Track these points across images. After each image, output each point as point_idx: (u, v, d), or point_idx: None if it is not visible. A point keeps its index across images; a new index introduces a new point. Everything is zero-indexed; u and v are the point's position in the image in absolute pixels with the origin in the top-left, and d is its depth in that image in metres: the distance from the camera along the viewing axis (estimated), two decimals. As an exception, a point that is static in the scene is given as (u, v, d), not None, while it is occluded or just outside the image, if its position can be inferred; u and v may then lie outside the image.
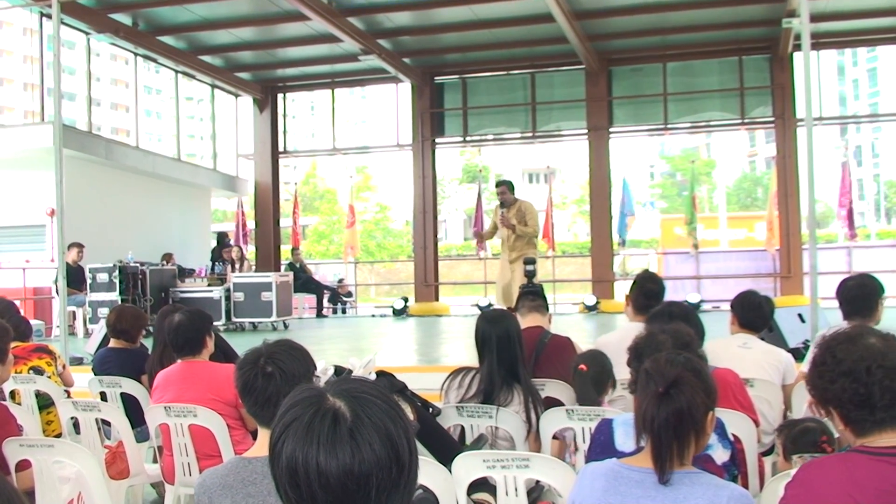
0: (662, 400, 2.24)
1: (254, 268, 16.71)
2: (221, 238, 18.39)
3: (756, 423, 3.69)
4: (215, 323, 4.73)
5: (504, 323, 4.05)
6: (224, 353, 4.94)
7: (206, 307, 11.29)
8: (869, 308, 4.42)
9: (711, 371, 3.58)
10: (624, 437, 2.81)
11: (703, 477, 2.23)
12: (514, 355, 3.96)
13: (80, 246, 13.07)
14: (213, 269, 14.67)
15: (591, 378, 3.84)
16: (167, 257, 14.91)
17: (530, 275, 11.44)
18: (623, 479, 2.26)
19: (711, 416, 2.32)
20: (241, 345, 4.17)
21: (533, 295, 5.40)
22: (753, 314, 4.61)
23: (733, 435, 3.20)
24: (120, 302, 12.16)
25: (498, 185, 10.73)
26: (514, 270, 10.01)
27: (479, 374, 4.04)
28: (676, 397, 2.24)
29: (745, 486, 3.41)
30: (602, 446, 2.87)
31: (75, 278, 12.71)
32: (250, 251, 18.83)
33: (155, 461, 4.69)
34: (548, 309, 5.24)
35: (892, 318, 4.41)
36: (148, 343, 5.71)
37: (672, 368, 2.30)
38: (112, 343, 5.48)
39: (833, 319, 4.94)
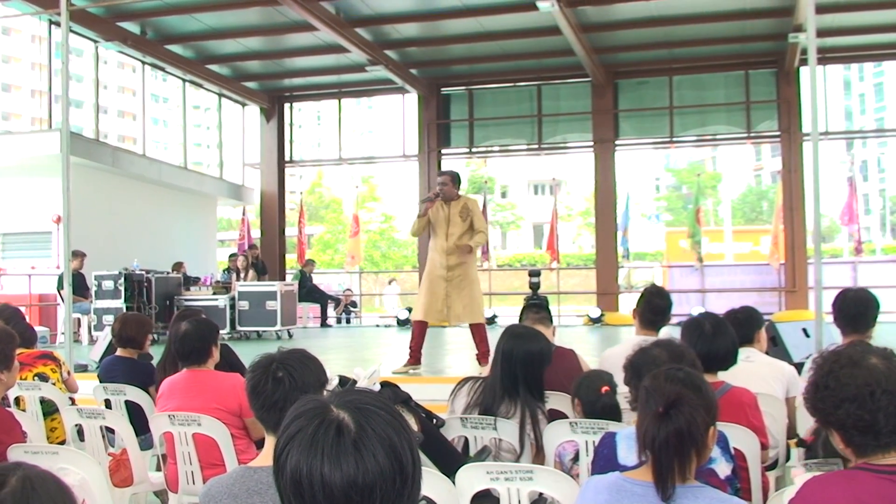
0: (662, 420, 2.22)
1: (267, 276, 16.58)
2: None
3: (765, 445, 3.66)
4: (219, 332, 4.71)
5: (513, 341, 4.00)
6: (231, 366, 4.92)
7: (210, 315, 11.32)
8: (869, 324, 4.46)
9: (728, 390, 3.59)
10: (627, 451, 2.80)
11: (705, 491, 2.23)
12: (513, 373, 3.93)
13: (81, 254, 13.07)
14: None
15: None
16: (177, 266, 14.89)
17: (534, 287, 11.30)
18: (626, 493, 2.26)
19: (713, 431, 2.31)
20: (246, 353, 4.18)
21: (537, 307, 5.40)
22: (742, 330, 4.60)
23: (735, 449, 3.20)
24: (125, 309, 12.17)
25: (441, 174, 8.61)
26: (452, 280, 8.15)
27: (486, 384, 4.05)
28: (676, 417, 2.21)
29: (749, 500, 3.40)
30: (605, 459, 2.86)
31: (77, 285, 12.72)
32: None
33: (159, 469, 4.69)
34: (552, 321, 5.24)
35: (890, 331, 4.43)
36: (155, 350, 5.73)
37: (672, 386, 2.29)
38: (119, 352, 5.47)
39: (837, 334, 4.94)
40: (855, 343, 2.43)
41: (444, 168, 18.54)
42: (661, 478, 2.20)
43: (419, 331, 8.36)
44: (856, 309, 4.48)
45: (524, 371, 3.92)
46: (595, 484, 2.36)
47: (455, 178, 8.36)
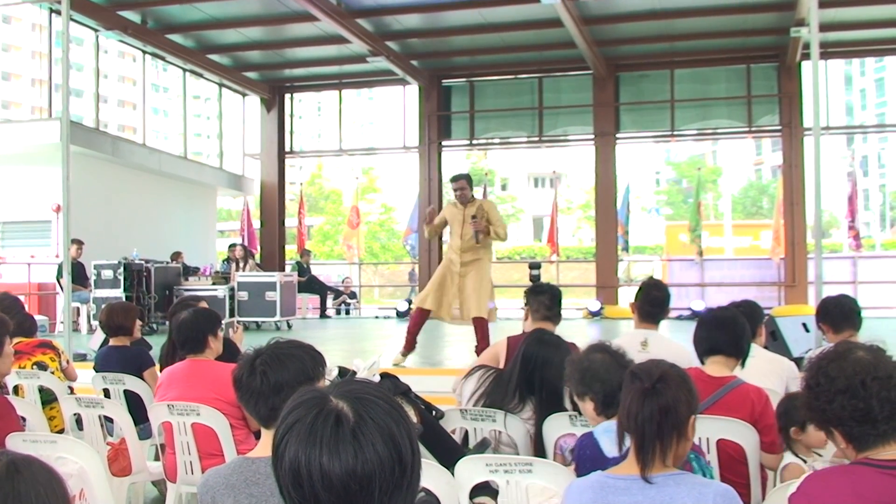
0: (648, 395, 2.29)
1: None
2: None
3: (774, 446, 3.57)
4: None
5: (536, 346, 3.95)
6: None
7: (210, 305, 11.31)
8: (855, 325, 4.61)
9: (739, 385, 3.55)
10: (610, 445, 2.82)
11: (687, 477, 2.28)
12: (530, 378, 3.90)
13: (79, 242, 13.02)
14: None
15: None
16: (176, 255, 14.87)
17: (534, 279, 11.26)
18: (609, 489, 2.29)
19: (693, 420, 2.36)
20: (245, 344, 4.16)
21: (546, 297, 5.38)
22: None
23: (732, 443, 3.20)
24: (125, 299, 12.16)
25: (456, 179, 8.64)
26: (465, 276, 8.30)
27: (497, 376, 4.06)
28: (663, 391, 2.29)
29: (748, 496, 3.39)
30: (591, 460, 2.88)
31: (77, 274, 12.72)
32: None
33: (157, 459, 4.69)
34: (559, 319, 5.24)
35: (889, 327, 4.45)
36: (154, 340, 5.72)
37: (658, 368, 2.37)
38: (112, 342, 5.47)
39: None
40: (842, 342, 2.45)
41: (443, 160, 18.56)
42: (642, 454, 2.25)
43: (419, 318, 8.40)
44: (850, 307, 4.66)
45: (541, 378, 3.89)
46: (578, 486, 2.40)
47: (470, 181, 8.62)
